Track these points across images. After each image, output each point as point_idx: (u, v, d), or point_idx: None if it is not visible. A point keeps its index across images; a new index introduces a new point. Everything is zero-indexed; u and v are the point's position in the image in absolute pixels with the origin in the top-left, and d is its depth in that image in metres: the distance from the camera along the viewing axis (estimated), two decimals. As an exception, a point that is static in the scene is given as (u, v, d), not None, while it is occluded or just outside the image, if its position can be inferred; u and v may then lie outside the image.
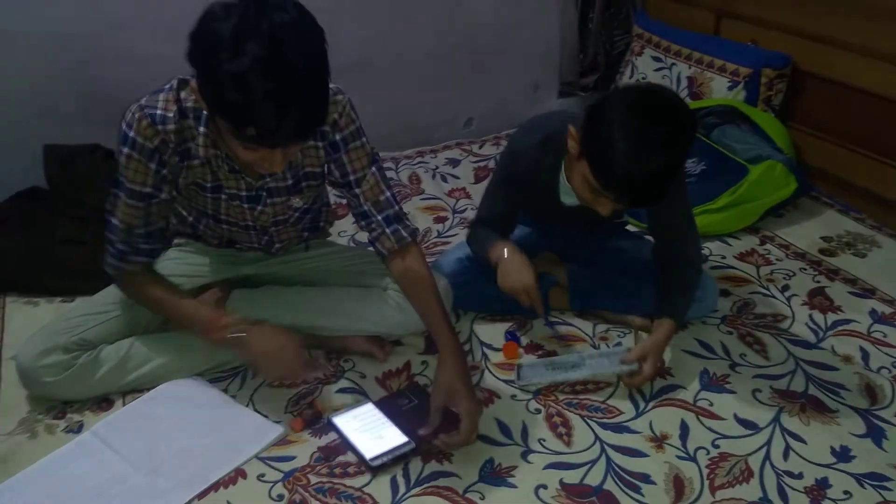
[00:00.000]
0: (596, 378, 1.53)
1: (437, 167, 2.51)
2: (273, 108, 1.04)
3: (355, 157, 1.38)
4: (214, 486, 1.29)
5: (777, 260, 1.98)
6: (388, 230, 1.43)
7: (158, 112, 1.26)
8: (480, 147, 2.68)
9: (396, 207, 1.44)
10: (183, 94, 1.27)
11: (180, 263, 1.56)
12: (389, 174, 2.44)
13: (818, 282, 1.88)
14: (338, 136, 1.35)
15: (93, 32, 2.13)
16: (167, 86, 1.29)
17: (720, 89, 2.42)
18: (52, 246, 1.86)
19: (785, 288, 1.86)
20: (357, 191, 1.41)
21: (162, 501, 1.25)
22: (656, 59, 2.65)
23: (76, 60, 2.14)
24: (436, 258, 1.89)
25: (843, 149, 2.27)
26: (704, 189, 2.07)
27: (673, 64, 2.59)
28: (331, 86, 1.22)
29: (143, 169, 1.29)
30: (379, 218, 1.43)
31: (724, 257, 1.99)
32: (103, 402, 1.47)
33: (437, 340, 1.40)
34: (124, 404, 1.46)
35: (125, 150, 1.28)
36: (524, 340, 1.67)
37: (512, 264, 1.51)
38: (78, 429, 1.41)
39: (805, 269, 1.94)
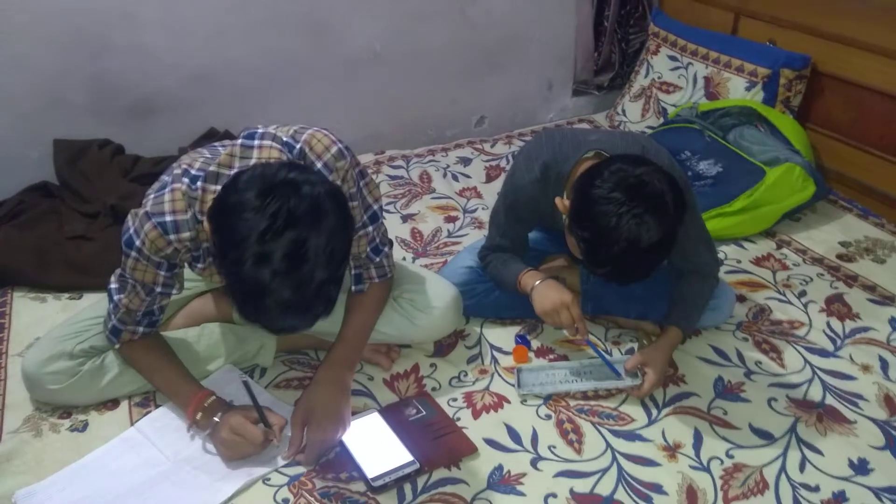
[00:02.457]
0: (598, 390, 1.50)
1: (448, 166, 2.49)
2: (282, 315, 1.06)
3: None
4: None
5: (794, 265, 1.94)
6: (354, 287, 1.47)
7: (168, 220, 1.21)
8: (492, 146, 2.65)
9: (376, 259, 1.44)
10: (194, 209, 1.22)
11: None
12: (400, 172, 2.43)
13: (836, 288, 1.85)
14: None
15: (104, 25, 2.12)
16: (167, 188, 1.23)
17: (737, 90, 2.38)
18: (61, 241, 1.85)
19: (802, 294, 1.82)
20: None
21: (205, 495, 1.25)
22: (672, 59, 2.61)
23: (87, 53, 2.13)
24: (445, 260, 1.88)
25: (863, 152, 2.23)
26: (720, 191, 2.04)
27: (689, 63, 2.55)
28: (335, 148, 1.25)
29: (151, 272, 1.27)
30: (353, 272, 1.46)
31: (739, 261, 1.95)
32: (109, 402, 1.45)
33: (331, 349, 1.42)
34: (130, 405, 1.45)
35: (132, 255, 1.24)
36: (534, 344, 1.65)
37: (547, 287, 1.52)
38: (83, 427, 1.40)
39: (823, 275, 1.90)
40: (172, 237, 1.22)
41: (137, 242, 1.23)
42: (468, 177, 2.42)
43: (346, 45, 2.48)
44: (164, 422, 1.39)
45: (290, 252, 1.01)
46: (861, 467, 1.34)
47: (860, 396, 1.50)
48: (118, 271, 1.31)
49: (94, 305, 1.49)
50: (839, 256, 1.98)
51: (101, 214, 1.95)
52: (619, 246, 1.22)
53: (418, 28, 2.57)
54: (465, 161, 2.53)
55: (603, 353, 1.56)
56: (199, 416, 1.31)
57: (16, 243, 1.84)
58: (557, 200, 1.37)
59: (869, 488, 1.30)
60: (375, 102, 2.61)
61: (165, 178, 1.27)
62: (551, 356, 1.61)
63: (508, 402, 1.49)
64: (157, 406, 1.44)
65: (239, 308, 1.10)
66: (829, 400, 1.49)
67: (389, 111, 2.66)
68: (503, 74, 2.81)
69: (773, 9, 2.43)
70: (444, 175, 2.42)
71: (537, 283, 1.53)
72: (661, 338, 1.52)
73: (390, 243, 1.48)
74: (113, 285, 1.32)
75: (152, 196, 1.24)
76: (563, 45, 2.89)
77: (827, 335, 1.68)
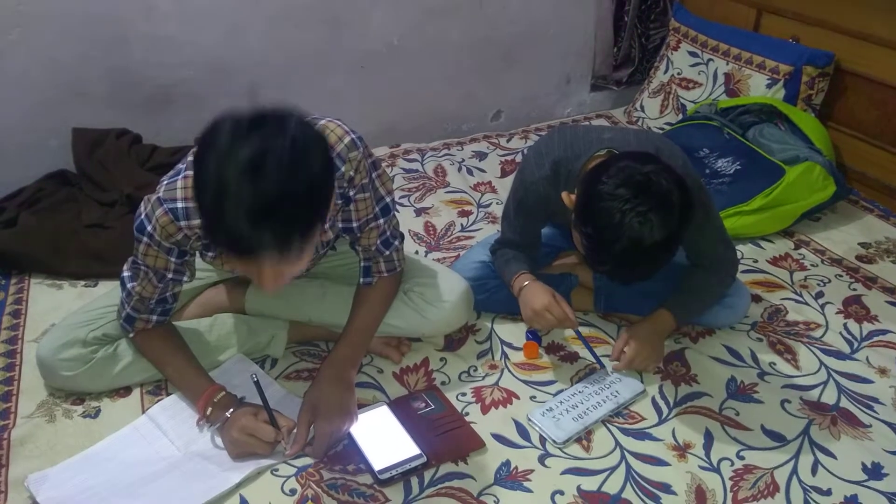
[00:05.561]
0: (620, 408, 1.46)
1: (463, 160, 2.48)
2: (239, 221, 0.98)
3: (362, 206, 1.35)
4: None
5: (812, 265, 1.91)
6: (362, 279, 1.47)
7: (180, 206, 1.22)
8: (508, 140, 2.64)
9: (386, 252, 1.44)
10: None
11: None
12: (414, 165, 2.42)
13: (854, 289, 1.82)
14: (352, 192, 1.32)
15: (124, 16, 2.13)
16: (180, 175, 1.24)
17: (758, 87, 2.35)
18: (78, 229, 1.87)
19: (819, 295, 1.80)
20: (358, 234, 1.40)
21: (213, 483, 1.25)
22: (693, 55, 2.58)
23: (107, 43, 2.14)
24: (458, 254, 1.87)
25: (885, 151, 2.19)
26: (738, 189, 2.01)
27: (710, 60, 2.52)
28: (348, 138, 1.26)
29: (163, 258, 1.28)
30: (362, 264, 1.46)
31: (756, 261, 1.93)
32: (121, 390, 1.47)
33: (335, 346, 1.42)
34: (142, 393, 1.47)
35: (144, 240, 1.25)
36: (545, 340, 1.64)
37: (529, 295, 1.50)
38: (96, 414, 1.42)
39: (841, 276, 1.87)
40: (183, 223, 1.22)
41: (149, 228, 1.24)
42: (483, 171, 2.41)
43: (363, 38, 2.48)
44: (175, 410, 1.40)
45: (253, 154, 0.96)
46: (875, 471, 1.32)
47: (876, 400, 1.48)
48: (130, 259, 1.32)
49: (108, 293, 1.50)
50: (859, 257, 1.95)
51: (117, 203, 1.96)
52: (621, 244, 1.20)
53: (436, 22, 2.56)
54: (481, 155, 2.52)
55: (590, 345, 1.56)
56: (209, 411, 1.32)
57: (34, 230, 1.86)
58: (564, 195, 1.36)
59: (883, 493, 1.28)
60: (392, 95, 2.61)
61: (180, 165, 1.28)
62: (562, 353, 1.60)
63: (517, 397, 1.48)
64: (168, 394, 1.45)
65: (203, 218, 1.03)
66: (844, 403, 1.47)
67: (405, 104, 2.65)
68: (520, 69, 2.79)
69: (796, 5, 2.39)
70: (459, 169, 2.41)
71: (524, 284, 1.51)
72: (649, 318, 1.52)
73: (401, 237, 1.48)
74: (126, 273, 1.33)
75: (165, 182, 1.25)
76: (581, 39, 2.87)
77: (843, 337, 1.65)
